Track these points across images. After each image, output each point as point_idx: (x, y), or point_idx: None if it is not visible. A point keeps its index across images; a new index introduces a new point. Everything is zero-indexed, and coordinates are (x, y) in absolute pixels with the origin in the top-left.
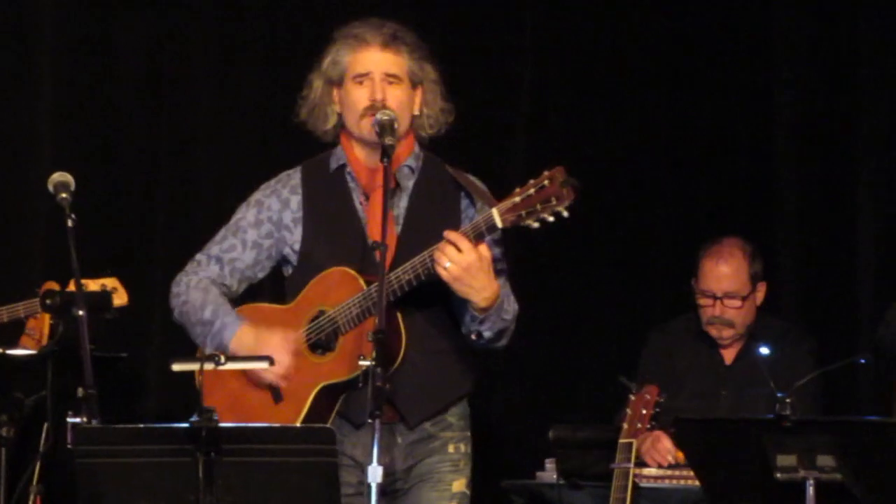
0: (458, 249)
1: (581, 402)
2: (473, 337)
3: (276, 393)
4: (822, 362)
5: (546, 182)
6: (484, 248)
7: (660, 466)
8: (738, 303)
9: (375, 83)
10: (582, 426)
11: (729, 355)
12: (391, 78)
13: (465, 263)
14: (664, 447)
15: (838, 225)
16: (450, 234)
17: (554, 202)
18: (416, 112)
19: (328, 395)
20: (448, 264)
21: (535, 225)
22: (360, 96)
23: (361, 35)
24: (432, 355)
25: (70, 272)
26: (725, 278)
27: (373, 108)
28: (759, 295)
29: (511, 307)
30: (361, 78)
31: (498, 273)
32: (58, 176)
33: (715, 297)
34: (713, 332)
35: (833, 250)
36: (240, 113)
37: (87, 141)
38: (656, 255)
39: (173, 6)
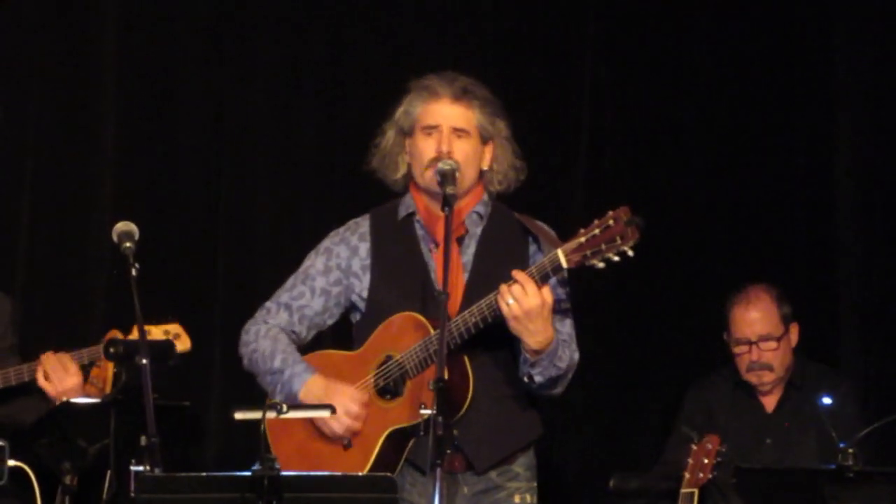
0: (525, 291)
1: (642, 450)
2: (525, 380)
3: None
4: (867, 403)
5: (611, 222)
6: (547, 294)
7: None
8: (773, 344)
9: (443, 135)
10: (642, 475)
11: (770, 403)
12: (459, 132)
13: (527, 306)
14: None
15: None
16: (518, 275)
17: (619, 242)
18: (486, 167)
19: (397, 440)
20: (511, 301)
21: (601, 265)
22: (426, 147)
23: (433, 87)
24: (500, 400)
25: (133, 320)
26: (757, 322)
27: (438, 160)
28: (793, 336)
29: (567, 355)
30: (430, 130)
31: (563, 313)
32: (122, 225)
33: (750, 343)
34: (753, 378)
35: (893, 302)
36: (300, 161)
37: (147, 189)
38: (717, 302)
39: (234, 56)
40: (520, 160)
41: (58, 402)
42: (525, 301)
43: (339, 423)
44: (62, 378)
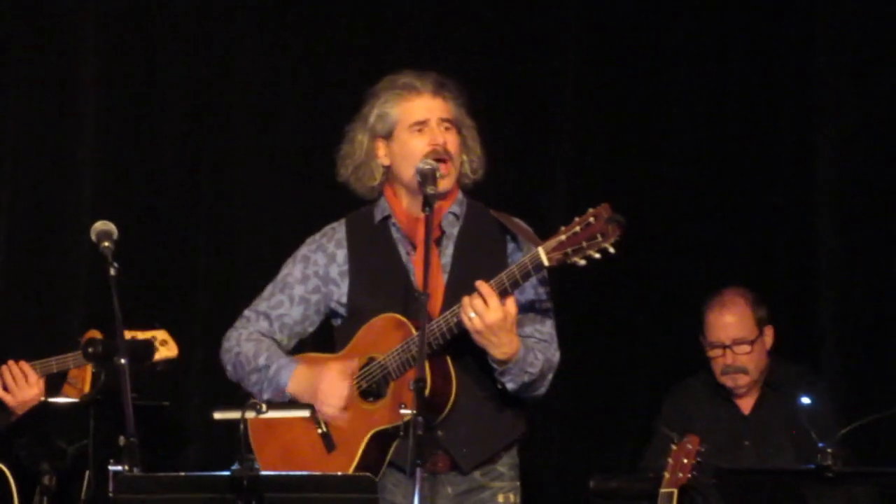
0: (486, 305)
1: (621, 451)
2: (499, 386)
3: (328, 442)
4: (846, 403)
5: (591, 219)
6: (511, 306)
7: None
8: (747, 348)
9: (434, 129)
10: (622, 476)
11: (746, 406)
12: (445, 123)
13: (489, 320)
14: None
15: (878, 279)
16: (482, 287)
17: (600, 239)
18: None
19: (380, 442)
20: (473, 315)
21: (582, 262)
22: (419, 144)
23: (410, 84)
24: (484, 400)
25: (112, 321)
26: (731, 326)
27: (435, 153)
28: (768, 339)
29: (540, 359)
30: (420, 126)
31: (543, 313)
32: (100, 225)
33: (724, 346)
34: (728, 382)
35: (873, 304)
36: (279, 165)
37: (127, 192)
38: (697, 304)
39: (214, 60)
40: (482, 148)
41: (15, 415)
42: (487, 315)
43: (328, 407)
44: (22, 389)
